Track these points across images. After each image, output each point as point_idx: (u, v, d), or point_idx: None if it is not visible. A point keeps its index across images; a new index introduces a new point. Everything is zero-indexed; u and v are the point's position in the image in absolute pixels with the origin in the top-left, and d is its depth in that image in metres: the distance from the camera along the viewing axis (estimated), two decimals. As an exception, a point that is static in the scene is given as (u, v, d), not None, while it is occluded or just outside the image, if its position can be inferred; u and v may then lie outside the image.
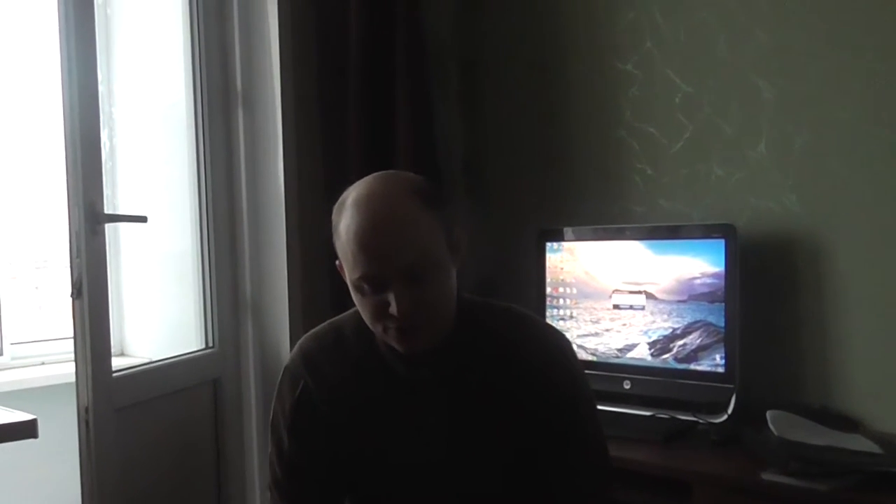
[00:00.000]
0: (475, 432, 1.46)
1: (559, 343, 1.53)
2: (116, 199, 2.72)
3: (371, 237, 1.32)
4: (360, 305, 1.40)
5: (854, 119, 2.08)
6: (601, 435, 1.53)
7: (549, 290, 2.44)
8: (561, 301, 2.42)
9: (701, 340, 2.15)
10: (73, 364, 1.99)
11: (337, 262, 1.42)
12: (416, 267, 1.32)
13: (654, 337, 2.23)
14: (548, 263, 2.45)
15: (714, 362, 2.12)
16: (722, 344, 2.11)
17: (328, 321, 1.60)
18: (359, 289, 1.37)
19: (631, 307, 2.28)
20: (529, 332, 1.53)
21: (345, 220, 1.35)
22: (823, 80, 2.13)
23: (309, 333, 1.58)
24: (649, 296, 2.25)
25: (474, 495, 1.49)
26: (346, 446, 1.50)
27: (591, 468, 1.49)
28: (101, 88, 2.07)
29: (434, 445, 1.46)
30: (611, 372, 2.27)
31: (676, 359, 2.19)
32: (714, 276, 2.13)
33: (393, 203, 1.34)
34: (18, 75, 2.95)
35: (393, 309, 1.33)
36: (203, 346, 2.52)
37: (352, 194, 1.37)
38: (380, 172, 1.43)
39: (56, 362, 2.85)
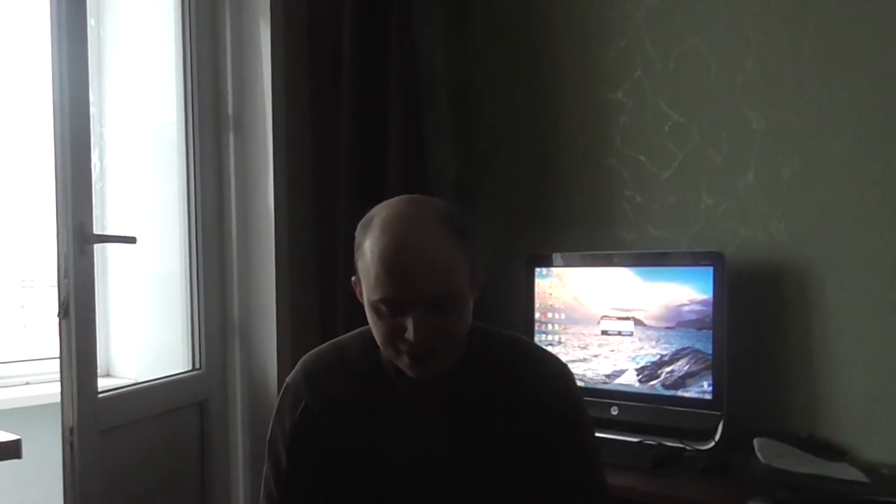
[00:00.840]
0: (478, 457, 1.46)
1: (563, 373, 1.54)
2: (106, 219, 2.71)
3: (396, 261, 1.31)
4: (375, 326, 1.39)
5: (842, 149, 2.10)
6: (599, 462, 1.54)
7: (537, 315, 2.45)
8: (549, 326, 2.42)
9: (689, 367, 2.15)
10: (59, 384, 1.98)
11: (353, 279, 1.41)
12: (437, 295, 1.32)
13: (642, 363, 2.24)
14: (537, 289, 2.46)
15: (702, 389, 2.12)
16: (709, 371, 2.11)
17: (330, 341, 1.58)
18: (376, 310, 1.36)
19: (619, 333, 2.29)
20: (534, 361, 1.54)
21: (370, 239, 1.34)
22: (812, 110, 2.15)
23: (312, 352, 1.57)
24: (637, 322, 2.25)
25: None
26: (346, 467, 1.49)
27: (590, 494, 1.51)
28: (92, 109, 2.07)
29: (436, 469, 1.46)
30: (598, 398, 2.27)
31: (664, 385, 2.19)
32: (702, 303, 2.13)
33: (422, 228, 1.33)
34: (9, 94, 2.95)
35: (409, 334, 1.32)
36: (190, 367, 2.51)
37: (380, 214, 1.36)
38: (409, 195, 1.42)
39: (41, 382, 2.83)
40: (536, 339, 2.42)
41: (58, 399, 1.99)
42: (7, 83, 2.94)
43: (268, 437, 1.55)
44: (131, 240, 2.26)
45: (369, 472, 1.48)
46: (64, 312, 1.96)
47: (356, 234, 1.39)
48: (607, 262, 2.36)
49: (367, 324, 1.43)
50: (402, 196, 1.41)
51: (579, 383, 2.26)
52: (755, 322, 2.21)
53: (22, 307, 3.27)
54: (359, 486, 1.49)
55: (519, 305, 2.50)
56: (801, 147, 2.17)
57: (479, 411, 1.47)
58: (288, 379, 1.55)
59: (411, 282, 1.31)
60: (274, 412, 1.55)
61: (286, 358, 2.47)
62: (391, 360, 1.43)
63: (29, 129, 2.94)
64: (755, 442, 2.00)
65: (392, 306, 1.33)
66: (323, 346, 1.58)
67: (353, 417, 1.49)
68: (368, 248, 1.34)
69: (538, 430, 1.46)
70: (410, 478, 1.47)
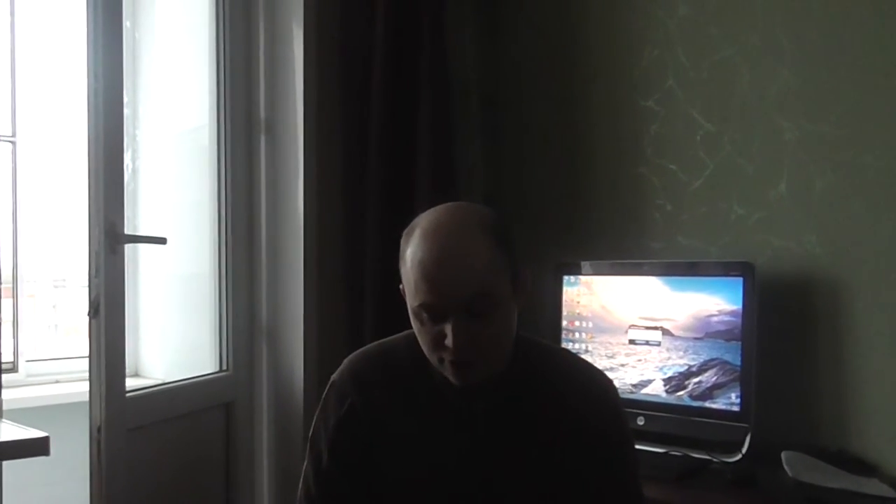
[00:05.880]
0: (519, 468, 1.46)
1: (608, 389, 1.54)
2: (137, 220, 2.74)
3: (434, 268, 1.32)
4: (419, 334, 1.40)
5: (876, 161, 2.08)
6: (639, 479, 1.54)
7: (565, 323, 2.44)
8: (577, 335, 2.41)
9: (716, 378, 2.13)
10: (87, 383, 2.00)
11: (400, 286, 1.42)
12: (476, 302, 1.32)
13: (670, 373, 2.22)
14: (565, 296, 2.45)
15: (729, 401, 2.11)
16: (738, 382, 2.09)
17: (378, 342, 1.59)
18: (418, 317, 1.37)
19: (647, 343, 2.27)
20: (581, 376, 1.54)
21: (412, 247, 1.36)
22: (847, 121, 2.13)
23: (358, 351, 1.57)
24: (665, 332, 2.24)
25: None
26: (387, 469, 1.49)
27: None
28: (126, 111, 2.09)
29: (477, 477, 1.46)
30: (625, 408, 2.24)
31: (691, 396, 2.18)
32: (731, 314, 2.12)
33: (460, 236, 1.34)
34: (45, 96, 2.98)
35: (449, 341, 1.33)
36: (217, 369, 2.52)
37: (422, 222, 1.38)
38: (452, 203, 1.43)
39: (70, 381, 2.86)
40: (563, 346, 2.40)
41: (86, 398, 2.00)
42: (43, 84, 2.98)
43: (310, 434, 1.55)
44: (162, 240, 2.28)
45: (409, 475, 1.48)
46: (94, 311, 1.97)
47: (401, 242, 1.41)
48: (636, 270, 2.34)
49: (400, 328, 1.44)
50: (446, 204, 1.43)
51: (606, 392, 2.27)
52: (785, 334, 2.19)
53: (54, 307, 3.30)
54: (397, 487, 1.49)
55: (546, 313, 2.49)
56: (834, 158, 2.14)
57: (523, 422, 1.47)
58: (334, 376, 1.55)
59: (448, 288, 1.32)
60: (318, 409, 1.55)
61: (313, 361, 2.48)
62: (438, 368, 1.43)
63: (63, 130, 2.98)
64: (783, 455, 1.98)
65: (432, 312, 1.34)
66: (370, 346, 1.58)
67: (396, 419, 1.49)
68: (410, 255, 1.36)
69: (581, 444, 1.46)
70: (450, 483, 1.46)
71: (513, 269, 1.38)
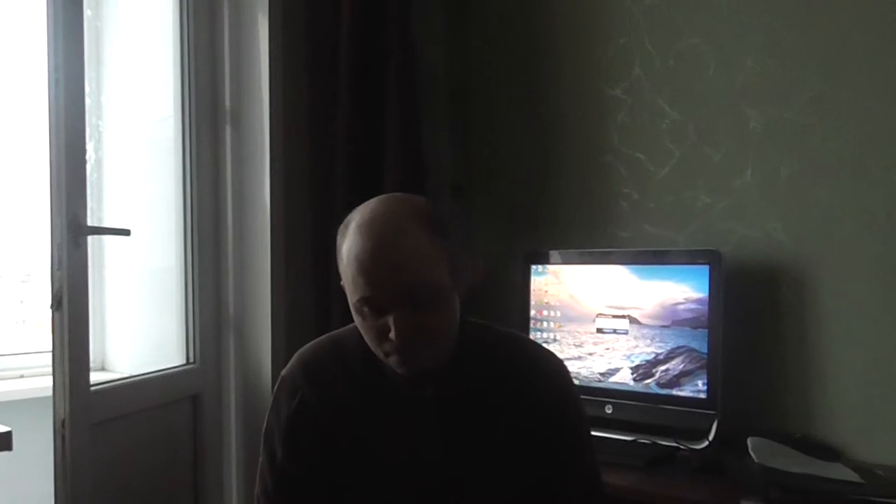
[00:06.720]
0: (473, 454, 1.46)
1: (560, 371, 1.54)
2: (101, 211, 2.70)
3: (371, 261, 1.30)
4: (362, 328, 1.39)
5: (840, 150, 2.10)
6: (596, 460, 1.54)
7: (533, 312, 2.44)
8: (545, 324, 2.42)
9: (683, 366, 2.14)
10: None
11: (341, 283, 1.41)
12: (416, 293, 1.31)
13: (637, 362, 2.23)
14: (533, 286, 2.45)
15: (696, 388, 2.12)
16: (704, 370, 2.10)
17: (327, 334, 1.58)
18: (359, 311, 1.36)
19: (614, 331, 2.28)
20: (532, 358, 1.54)
21: (347, 242, 1.35)
22: (811, 110, 2.14)
23: (309, 344, 1.56)
24: (633, 320, 2.24)
25: None
26: (341, 460, 1.48)
27: (587, 492, 1.51)
28: (88, 101, 2.06)
29: (431, 463, 1.45)
30: (593, 396, 2.26)
31: (659, 384, 2.19)
32: (698, 301, 2.13)
33: (395, 228, 1.32)
34: (4, 86, 2.94)
35: (392, 334, 1.32)
36: (184, 361, 2.50)
37: (356, 216, 1.37)
38: (386, 195, 1.41)
39: (35, 375, 2.82)
40: (531, 336, 2.41)
41: (51, 392, 1.98)
42: (3, 74, 2.93)
43: (263, 430, 1.54)
44: (125, 232, 2.25)
45: (364, 465, 1.47)
46: (57, 304, 1.95)
47: (337, 238, 1.39)
48: (604, 259, 2.35)
49: None
50: (379, 196, 1.41)
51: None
52: (751, 321, 2.20)
53: (21, 302, 3.26)
54: (353, 479, 1.48)
55: (515, 303, 2.49)
56: (799, 147, 2.16)
57: (476, 406, 1.46)
58: (284, 371, 1.54)
59: (386, 281, 1.31)
60: (270, 405, 1.54)
61: (280, 353, 2.47)
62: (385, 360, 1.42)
63: (25, 120, 2.93)
64: (749, 441, 2.00)
65: (372, 306, 1.33)
66: (319, 338, 1.57)
67: (348, 410, 1.48)
68: (345, 251, 1.35)
69: (535, 427, 1.46)
70: (405, 471, 1.46)
71: (451, 257, 1.37)
